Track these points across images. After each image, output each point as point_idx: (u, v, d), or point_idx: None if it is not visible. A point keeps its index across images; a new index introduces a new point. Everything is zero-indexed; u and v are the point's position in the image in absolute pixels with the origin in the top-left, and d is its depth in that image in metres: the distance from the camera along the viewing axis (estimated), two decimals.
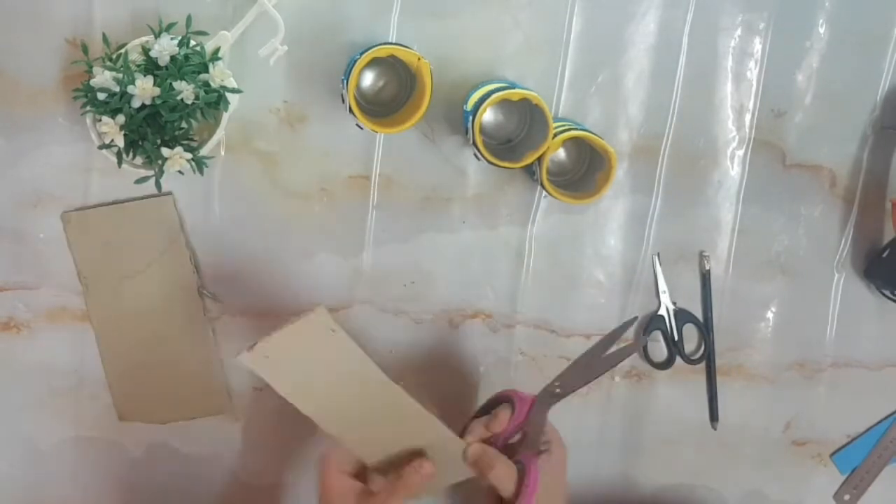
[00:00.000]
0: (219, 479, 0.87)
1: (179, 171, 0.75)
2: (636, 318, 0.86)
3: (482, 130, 0.77)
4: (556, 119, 0.82)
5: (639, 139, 0.85)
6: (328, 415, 0.69)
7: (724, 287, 0.89)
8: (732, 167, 0.87)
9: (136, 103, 0.71)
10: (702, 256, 0.87)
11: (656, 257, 0.86)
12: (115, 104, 0.72)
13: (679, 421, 0.91)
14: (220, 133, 0.77)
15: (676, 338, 0.89)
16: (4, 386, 0.83)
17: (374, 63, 0.76)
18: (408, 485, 0.70)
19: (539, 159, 0.77)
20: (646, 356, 0.89)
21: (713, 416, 0.91)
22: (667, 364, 0.89)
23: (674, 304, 0.88)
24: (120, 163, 0.76)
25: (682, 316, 0.89)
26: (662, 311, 0.88)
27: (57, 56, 0.77)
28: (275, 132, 0.81)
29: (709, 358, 0.90)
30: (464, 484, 0.75)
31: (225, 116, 0.76)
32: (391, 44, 0.78)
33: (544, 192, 0.83)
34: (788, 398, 0.92)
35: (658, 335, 0.89)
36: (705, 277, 0.88)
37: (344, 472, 0.71)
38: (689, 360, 0.89)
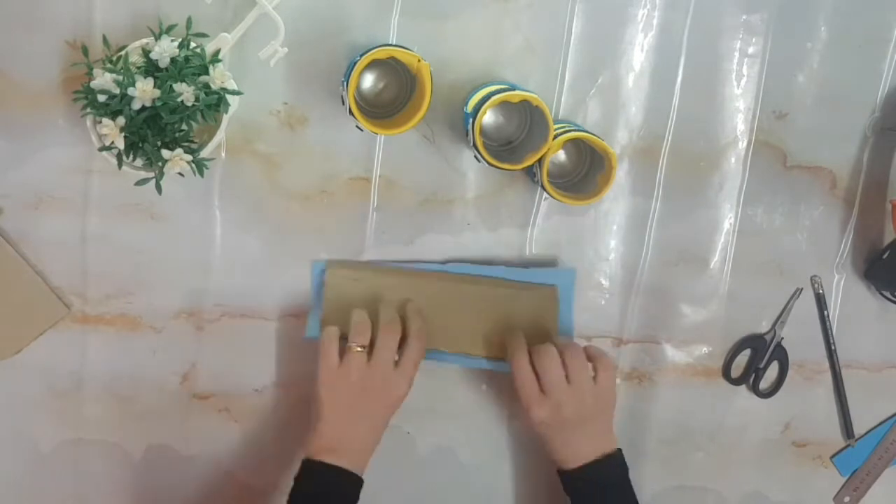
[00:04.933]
0: (218, 480, 0.87)
1: (180, 173, 0.75)
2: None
3: (482, 132, 0.77)
4: (557, 121, 0.82)
5: (639, 140, 0.85)
6: None
7: (723, 288, 0.89)
8: (733, 168, 0.87)
9: (136, 105, 0.71)
10: (813, 280, 0.88)
11: (800, 291, 0.88)
12: (115, 106, 0.72)
13: (680, 423, 0.91)
14: (220, 135, 0.77)
15: (761, 365, 0.90)
16: (5, 388, 0.83)
17: (374, 65, 0.76)
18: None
19: (539, 161, 0.77)
20: (727, 372, 0.91)
21: (849, 434, 0.93)
22: (738, 381, 0.90)
23: (781, 338, 0.89)
24: (120, 165, 0.76)
25: (779, 351, 0.90)
26: (768, 337, 0.90)
27: (57, 58, 0.77)
28: (275, 134, 0.81)
29: (836, 376, 0.91)
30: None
31: (225, 118, 0.76)
32: (391, 45, 0.78)
33: (545, 194, 0.83)
34: (788, 399, 0.92)
35: (747, 353, 0.90)
36: (820, 299, 0.89)
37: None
38: (757, 389, 0.90)
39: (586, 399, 0.78)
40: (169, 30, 0.74)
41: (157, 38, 0.74)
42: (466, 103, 0.79)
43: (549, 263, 0.86)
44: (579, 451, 0.79)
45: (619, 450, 0.80)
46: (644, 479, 0.91)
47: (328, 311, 0.82)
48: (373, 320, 0.80)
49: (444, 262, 0.85)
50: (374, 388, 0.78)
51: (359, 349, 0.78)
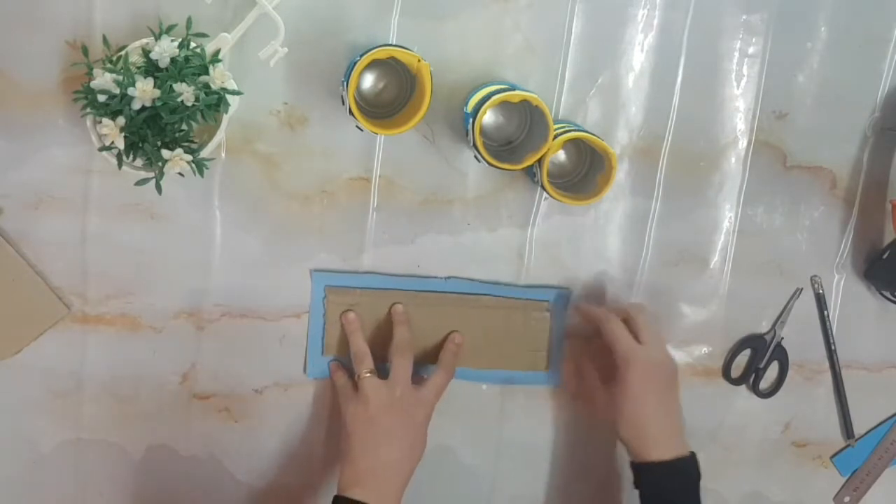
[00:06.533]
0: (218, 480, 0.87)
1: (180, 173, 0.75)
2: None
3: (482, 132, 0.77)
4: (557, 121, 0.82)
5: (639, 141, 0.85)
6: None
7: (723, 288, 0.89)
8: (733, 168, 0.87)
9: (136, 105, 0.71)
10: (813, 280, 0.88)
11: (800, 291, 0.88)
12: (115, 106, 0.72)
13: None
14: (220, 135, 0.77)
15: (761, 365, 0.90)
16: (5, 388, 0.83)
17: (374, 65, 0.76)
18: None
19: (539, 161, 0.77)
20: (727, 372, 0.91)
21: (849, 434, 0.93)
22: (738, 381, 0.91)
23: (781, 338, 0.89)
24: (120, 165, 0.76)
25: (779, 351, 0.90)
26: (768, 337, 0.90)
27: (57, 58, 0.77)
28: (275, 134, 0.81)
29: (836, 377, 0.91)
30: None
31: (225, 118, 0.76)
32: (391, 45, 0.78)
33: (545, 194, 0.83)
34: (788, 399, 0.92)
35: (747, 353, 0.90)
36: (820, 299, 0.89)
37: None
38: (757, 389, 0.90)
39: (671, 357, 0.82)
40: (169, 30, 0.74)
41: (157, 38, 0.74)
42: (466, 103, 0.79)
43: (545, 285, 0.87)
44: (660, 440, 0.79)
45: (693, 454, 0.80)
46: None
47: (330, 342, 0.85)
48: (373, 343, 0.83)
49: (445, 279, 0.85)
50: (394, 406, 0.79)
51: (367, 374, 0.80)
